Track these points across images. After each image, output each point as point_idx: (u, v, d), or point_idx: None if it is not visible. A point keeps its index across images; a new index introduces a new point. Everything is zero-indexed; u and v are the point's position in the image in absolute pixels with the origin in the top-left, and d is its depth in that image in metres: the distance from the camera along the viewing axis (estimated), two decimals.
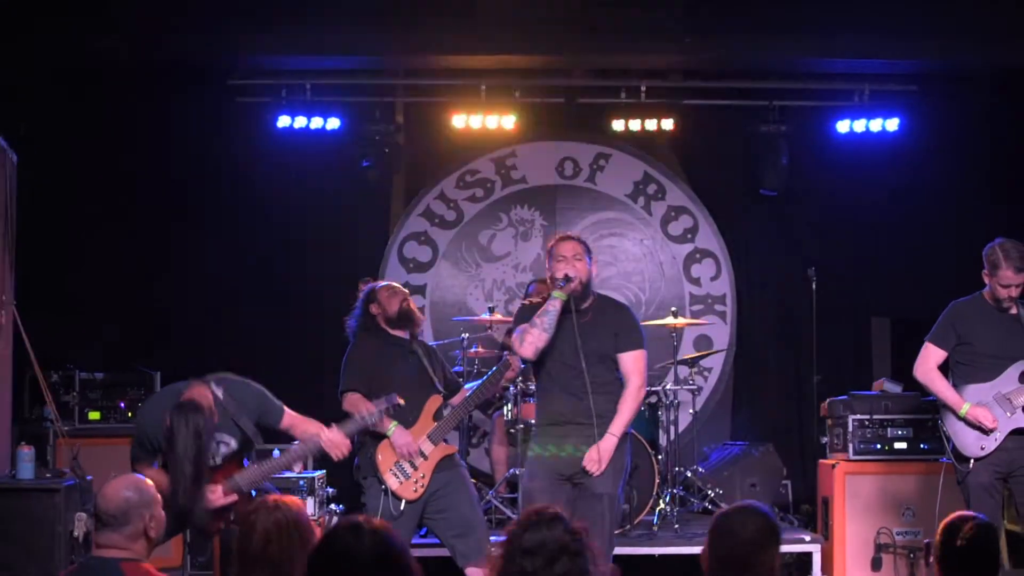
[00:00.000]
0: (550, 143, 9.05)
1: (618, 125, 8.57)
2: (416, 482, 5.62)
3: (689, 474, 7.84)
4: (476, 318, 8.13)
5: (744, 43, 7.71)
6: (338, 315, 6.04)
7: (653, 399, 7.57)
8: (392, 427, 5.60)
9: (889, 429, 7.13)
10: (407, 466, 5.62)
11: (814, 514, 7.58)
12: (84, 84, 7.97)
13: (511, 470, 7.34)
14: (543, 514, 2.89)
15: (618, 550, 6.27)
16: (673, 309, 7.83)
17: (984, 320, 5.70)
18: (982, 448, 5.60)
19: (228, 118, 8.38)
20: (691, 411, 8.32)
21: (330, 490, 6.92)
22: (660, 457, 7.32)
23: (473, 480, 6.11)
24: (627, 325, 5.42)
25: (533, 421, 5.78)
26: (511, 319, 6.22)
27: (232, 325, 8.30)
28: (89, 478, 6.25)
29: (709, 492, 7.75)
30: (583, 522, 2.98)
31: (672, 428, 7.59)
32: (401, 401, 5.45)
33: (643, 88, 8.51)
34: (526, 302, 5.79)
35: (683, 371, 7.86)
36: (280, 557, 3.19)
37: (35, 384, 7.01)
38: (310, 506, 6.48)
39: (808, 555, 6.96)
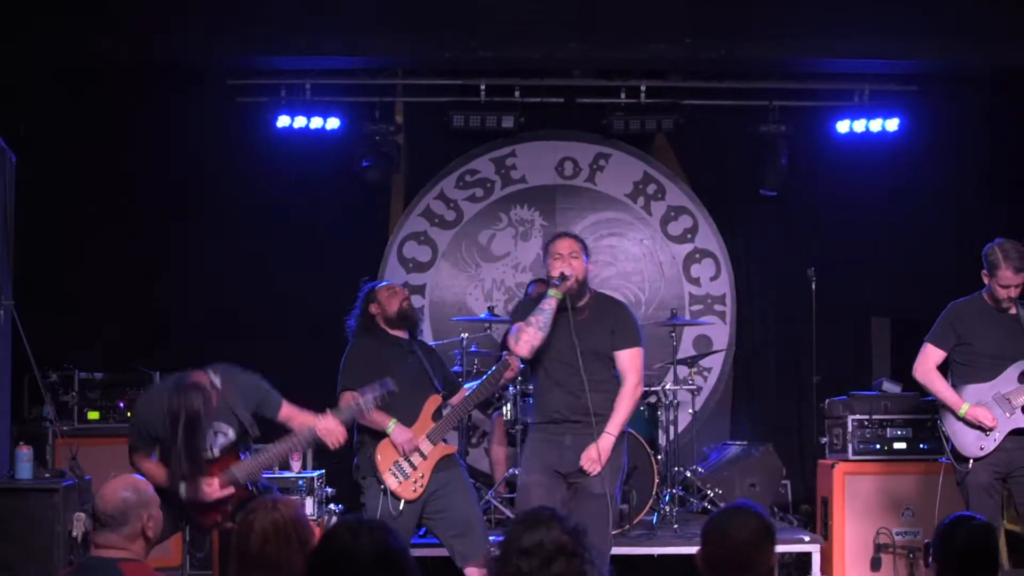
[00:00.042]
0: (550, 143, 9.04)
1: (618, 125, 8.58)
2: (415, 482, 5.62)
3: (688, 474, 7.84)
4: (476, 318, 8.13)
5: (744, 43, 7.70)
6: (337, 315, 6.05)
7: (653, 399, 7.59)
8: (391, 425, 5.60)
9: (888, 429, 7.13)
10: (406, 466, 5.62)
11: (813, 514, 7.58)
12: (84, 84, 7.98)
13: (510, 470, 7.35)
14: (540, 514, 2.88)
15: (617, 550, 6.28)
16: (672, 309, 7.83)
17: (984, 320, 5.70)
18: (981, 448, 5.60)
19: (228, 118, 8.39)
20: (690, 411, 8.33)
21: (329, 490, 6.92)
22: (659, 457, 7.33)
23: (472, 480, 6.11)
24: (624, 323, 5.42)
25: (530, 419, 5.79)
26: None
27: (232, 325, 8.30)
28: (88, 478, 6.24)
29: (708, 492, 7.75)
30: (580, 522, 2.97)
31: (671, 428, 7.60)
32: (395, 388, 5.44)
33: (643, 88, 8.53)
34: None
35: (682, 371, 7.87)
36: (278, 557, 3.18)
37: (34, 384, 7.02)
38: (309, 506, 6.50)
39: (807, 555, 6.97)
